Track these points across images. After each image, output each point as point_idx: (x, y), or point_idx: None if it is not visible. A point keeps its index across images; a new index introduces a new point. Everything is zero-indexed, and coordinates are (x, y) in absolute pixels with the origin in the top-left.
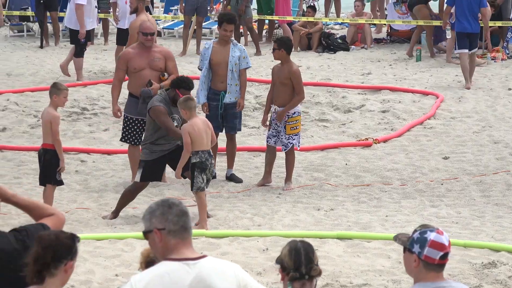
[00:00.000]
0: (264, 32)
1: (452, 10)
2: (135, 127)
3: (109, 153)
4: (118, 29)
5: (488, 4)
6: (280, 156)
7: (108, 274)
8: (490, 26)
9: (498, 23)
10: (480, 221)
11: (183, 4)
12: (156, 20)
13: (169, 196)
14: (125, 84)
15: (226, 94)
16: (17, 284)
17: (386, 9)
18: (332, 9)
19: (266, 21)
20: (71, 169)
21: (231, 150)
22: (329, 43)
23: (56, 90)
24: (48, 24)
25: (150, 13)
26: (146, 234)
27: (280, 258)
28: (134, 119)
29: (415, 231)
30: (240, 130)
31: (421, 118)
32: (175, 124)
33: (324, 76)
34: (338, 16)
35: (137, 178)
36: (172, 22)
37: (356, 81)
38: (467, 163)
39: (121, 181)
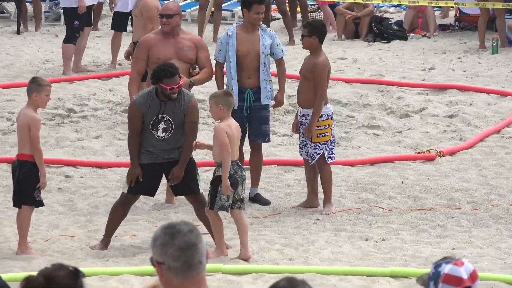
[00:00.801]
0: (299, 16)
1: None
2: None
3: (101, 166)
4: (115, 12)
5: None
6: None
7: None
8: None
9: None
10: None
11: None
12: None
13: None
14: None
15: (261, 94)
16: None
17: None
18: None
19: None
20: (52, 186)
21: (256, 164)
22: (381, 30)
23: (37, 87)
24: (27, 4)
25: None
26: (152, 262)
27: None
28: None
29: (433, 265)
30: (269, 140)
31: (498, 125)
32: (162, 127)
33: (375, 72)
34: None
35: (124, 188)
36: (184, 3)
37: (415, 78)
38: None
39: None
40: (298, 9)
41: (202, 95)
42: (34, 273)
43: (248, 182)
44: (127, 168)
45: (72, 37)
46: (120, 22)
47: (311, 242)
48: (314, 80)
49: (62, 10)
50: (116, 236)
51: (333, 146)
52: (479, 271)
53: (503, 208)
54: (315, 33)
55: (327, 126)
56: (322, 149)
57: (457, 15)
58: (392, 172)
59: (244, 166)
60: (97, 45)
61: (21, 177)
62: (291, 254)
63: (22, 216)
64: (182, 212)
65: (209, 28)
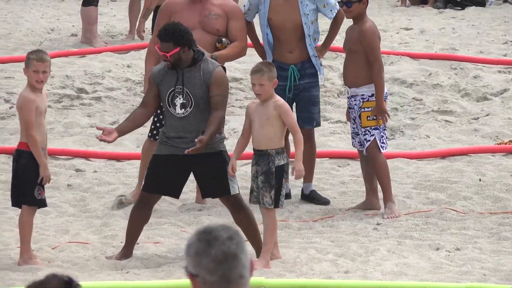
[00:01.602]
0: None
1: None
2: None
3: (118, 158)
4: None
5: None
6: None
7: None
8: None
9: None
10: None
11: None
12: None
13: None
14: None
15: (307, 70)
16: None
17: None
18: None
19: None
20: (61, 182)
21: (308, 154)
22: None
23: (26, 61)
24: None
25: None
26: (186, 273)
27: None
28: None
29: None
30: (319, 124)
31: None
32: (180, 102)
33: (447, 45)
34: None
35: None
36: None
37: (495, 53)
38: None
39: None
40: None
41: (238, 73)
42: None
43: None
44: None
45: None
46: None
47: (370, 252)
48: (365, 51)
49: None
50: (138, 243)
51: (385, 133)
52: None
53: None
54: None
55: None
56: (373, 134)
57: None
58: (468, 167)
59: (291, 159)
60: (112, 11)
61: (19, 171)
62: (347, 266)
63: (23, 218)
64: (216, 214)
65: None
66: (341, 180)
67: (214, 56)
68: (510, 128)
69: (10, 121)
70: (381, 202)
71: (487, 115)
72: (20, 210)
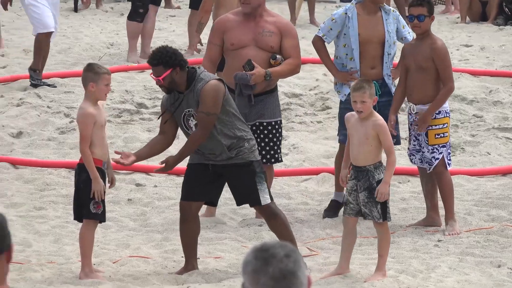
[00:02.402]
0: None
1: None
2: None
3: (178, 173)
4: None
5: None
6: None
7: None
8: None
9: None
10: None
11: None
12: None
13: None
14: None
15: (388, 87)
16: None
17: None
18: None
19: None
20: (121, 197)
21: None
22: None
23: (93, 75)
24: None
25: None
26: None
27: None
28: None
29: None
30: (399, 142)
31: None
32: (194, 123)
33: (508, 62)
34: None
35: None
36: None
37: None
38: None
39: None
40: None
41: (298, 88)
42: None
43: None
44: None
45: (135, 13)
46: None
47: (431, 269)
48: (439, 70)
49: None
50: (199, 258)
51: (450, 150)
52: None
53: None
54: (432, 11)
55: (445, 125)
56: (441, 152)
57: None
58: None
59: None
60: (171, 27)
61: (80, 185)
62: (408, 282)
63: (84, 232)
64: None
65: (304, 7)
66: (401, 197)
67: (269, 73)
68: None
69: (70, 135)
70: (442, 219)
71: None
72: (81, 224)
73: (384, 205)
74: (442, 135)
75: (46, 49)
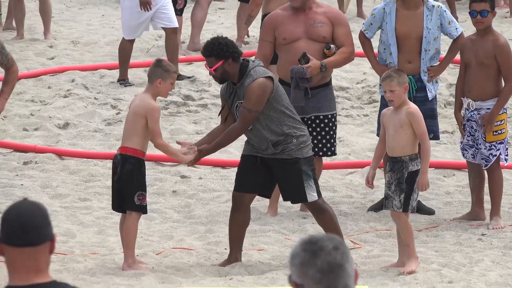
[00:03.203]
0: None
1: None
2: None
3: (223, 165)
4: None
5: None
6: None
7: None
8: None
9: None
10: None
11: None
12: None
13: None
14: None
15: (425, 83)
16: None
17: None
18: None
19: None
20: (166, 188)
21: None
22: None
23: (163, 72)
24: None
25: None
26: (290, 282)
27: None
28: None
29: None
30: (438, 137)
31: None
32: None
33: None
34: None
35: None
36: None
37: None
38: None
39: None
40: None
41: (345, 82)
42: None
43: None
44: None
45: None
46: None
47: (475, 262)
48: (502, 67)
49: None
50: (242, 250)
51: (507, 146)
52: None
53: None
54: (494, 6)
55: (503, 122)
56: (498, 149)
57: None
58: None
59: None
60: (220, 19)
61: (124, 176)
62: (451, 276)
63: (128, 223)
64: None
65: (353, 2)
66: (446, 190)
67: (325, 64)
68: None
69: (116, 127)
70: (487, 213)
71: None
72: (120, 214)
73: (408, 197)
74: (499, 131)
75: (128, 55)
